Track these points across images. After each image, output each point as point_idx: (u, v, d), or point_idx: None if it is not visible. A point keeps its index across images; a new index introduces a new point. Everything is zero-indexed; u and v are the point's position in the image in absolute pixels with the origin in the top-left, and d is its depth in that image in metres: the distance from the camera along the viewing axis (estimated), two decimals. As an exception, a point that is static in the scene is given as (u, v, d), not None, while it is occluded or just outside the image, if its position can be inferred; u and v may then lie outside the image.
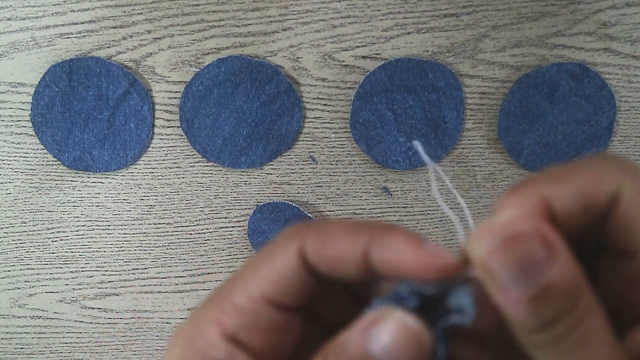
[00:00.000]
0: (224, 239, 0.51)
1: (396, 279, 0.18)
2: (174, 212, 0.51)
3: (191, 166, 0.50)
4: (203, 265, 0.52)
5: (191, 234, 0.51)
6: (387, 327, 0.16)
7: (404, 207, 0.51)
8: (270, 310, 0.18)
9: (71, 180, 0.50)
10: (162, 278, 0.52)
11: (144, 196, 0.51)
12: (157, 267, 0.52)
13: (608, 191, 0.16)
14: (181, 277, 0.52)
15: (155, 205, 0.51)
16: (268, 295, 0.18)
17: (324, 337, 0.19)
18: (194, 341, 0.18)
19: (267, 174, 0.50)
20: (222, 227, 0.51)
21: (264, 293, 0.18)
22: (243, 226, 0.51)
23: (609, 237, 0.17)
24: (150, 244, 0.51)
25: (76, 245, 0.51)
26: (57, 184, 0.50)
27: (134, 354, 0.53)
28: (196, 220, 0.51)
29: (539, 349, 0.16)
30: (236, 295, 0.18)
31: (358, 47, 0.48)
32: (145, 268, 0.52)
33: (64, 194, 0.50)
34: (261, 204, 0.50)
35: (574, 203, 0.16)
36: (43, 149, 0.49)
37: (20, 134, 0.49)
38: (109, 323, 0.53)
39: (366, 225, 0.18)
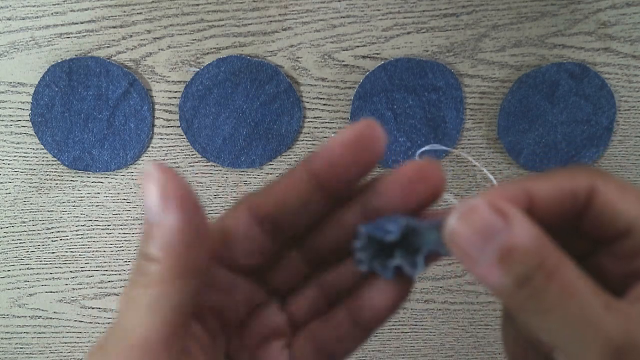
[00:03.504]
0: (224, 239, 0.51)
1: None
2: (174, 212, 0.51)
3: (191, 166, 0.50)
4: (203, 265, 0.52)
5: (191, 234, 0.51)
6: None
7: (404, 207, 0.51)
8: (222, 270, 0.20)
9: (71, 180, 0.50)
10: (162, 278, 0.52)
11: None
12: (157, 267, 0.52)
13: (584, 187, 0.18)
14: (181, 277, 0.52)
15: (155, 205, 0.51)
16: (220, 255, 0.20)
17: (269, 302, 0.21)
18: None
19: (267, 174, 0.50)
20: (222, 227, 0.51)
21: (217, 253, 0.20)
22: (243, 226, 0.51)
23: (596, 227, 0.18)
24: (150, 244, 0.51)
25: (76, 245, 0.51)
26: (57, 184, 0.50)
27: (134, 354, 0.53)
28: (196, 220, 0.51)
29: (527, 310, 0.17)
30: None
31: (358, 47, 0.48)
32: (145, 268, 0.52)
33: (64, 194, 0.50)
34: (261, 204, 0.50)
35: (553, 195, 0.18)
36: (43, 149, 0.49)
37: (20, 134, 0.49)
38: (109, 323, 0.53)
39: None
